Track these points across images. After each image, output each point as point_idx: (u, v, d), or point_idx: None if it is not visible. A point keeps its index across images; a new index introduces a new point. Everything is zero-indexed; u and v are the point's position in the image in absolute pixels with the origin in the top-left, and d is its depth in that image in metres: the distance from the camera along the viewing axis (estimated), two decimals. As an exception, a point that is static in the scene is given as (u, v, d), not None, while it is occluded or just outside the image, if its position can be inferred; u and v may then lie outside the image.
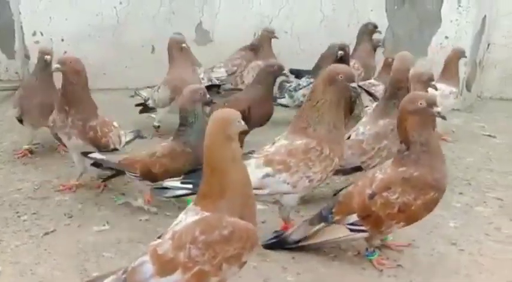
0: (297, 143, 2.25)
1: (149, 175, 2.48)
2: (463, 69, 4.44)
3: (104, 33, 4.93)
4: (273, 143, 2.35)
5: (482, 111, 4.83)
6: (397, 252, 2.33)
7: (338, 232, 2.16)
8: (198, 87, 2.64)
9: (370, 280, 2.16)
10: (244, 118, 3.15)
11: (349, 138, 2.75)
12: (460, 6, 4.63)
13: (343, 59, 3.62)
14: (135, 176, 2.53)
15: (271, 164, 2.22)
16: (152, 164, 2.48)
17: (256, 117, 3.29)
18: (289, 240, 2.26)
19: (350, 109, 3.49)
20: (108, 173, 2.71)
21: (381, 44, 4.64)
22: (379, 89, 3.87)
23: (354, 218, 2.12)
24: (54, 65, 2.73)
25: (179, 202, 2.58)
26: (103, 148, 2.75)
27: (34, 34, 4.76)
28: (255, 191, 2.07)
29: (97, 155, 2.62)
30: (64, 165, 3.15)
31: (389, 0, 4.91)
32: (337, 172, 2.54)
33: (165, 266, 1.60)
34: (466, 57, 4.04)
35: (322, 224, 2.18)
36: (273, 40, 4.52)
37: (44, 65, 3.12)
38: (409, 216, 2.06)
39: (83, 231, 2.43)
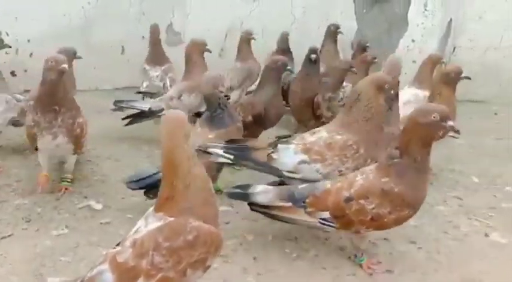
0: (337, 138, 2.40)
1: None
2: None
3: (72, 34, 4.84)
4: (313, 133, 2.49)
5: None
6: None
7: (303, 216, 2.17)
8: (216, 74, 2.81)
9: (330, 279, 2.18)
10: (261, 120, 3.22)
11: None
12: (426, 9, 4.74)
13: (316, 62, 3.67)
14: None
15: (309, 153, 2.40)
16: None
17: (272, 117, 3.30)
18: (253, 198, 2.26)
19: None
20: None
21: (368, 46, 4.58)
22: (347, 89, 3.89)
23: (326, 215, 2.14)
24: (62, 66, 2.55)
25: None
26: (79, 149, 2.74)
27: (-1, 34, 4.67)
28: (288, 174, 2.41)
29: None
30: (25, 167, 3.09)
31: (358, 4, 4.99)
32: None
33: (125, 274, 1.58)
34: (444, 62, 4.02)
35: (290, 204, 2.19)
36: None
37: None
38: (379, 225, 2.09)
39: (41, 235, 2.38)
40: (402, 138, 2.04)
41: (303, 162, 2.39)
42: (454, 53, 5.26)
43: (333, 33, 4.51)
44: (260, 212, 2.29)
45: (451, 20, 4.96)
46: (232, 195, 2.32)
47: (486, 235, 2.58)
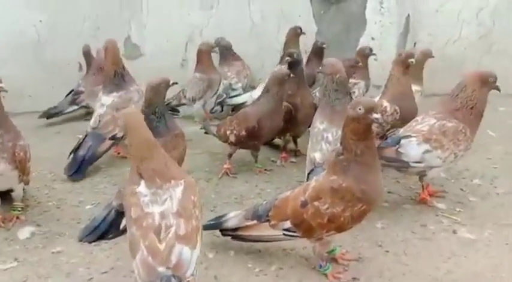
0: (448, 125, 2.69)
1: None
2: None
3: (25, 53, 4.69)
4: (420, 121, 2.75)
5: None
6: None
7: (269, 230, 2.16)
8: (161, 79, 2.65)
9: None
10: (254, 134, 3.08)
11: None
12: (382, 7, 4.73)
13: (294, 65, 3.43)
14: None
15: (429, 142, 2.66)
16: None
17: (268, 131, 3.15)
18: (224, 225, 2.32)
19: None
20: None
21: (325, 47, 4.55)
22: (361, 85, 3.94)
23: (288, 224, 2.10)
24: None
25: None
26: (25, 177, 2.56)
27: None
28: (414, 164, 2.68)
29: None
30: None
31: (316, 5, 4.95)
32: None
33: None
34: (433, 57, 4.11)
35: (255, 221, 2.20)
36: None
37: None
38: (338, 226, 2.03)
39: (-13, 271, 2.23)
40: (342, 133, 2.06)
41: (427, 151, 2.65)
42: (415, 48, 5.28)
43: (294, 34, 4.45)
44: (231, 236, 2.30)
45: (408, 15, 4.97)
46: (206, 227, 2.29)
47: (454, 232, 2.54)
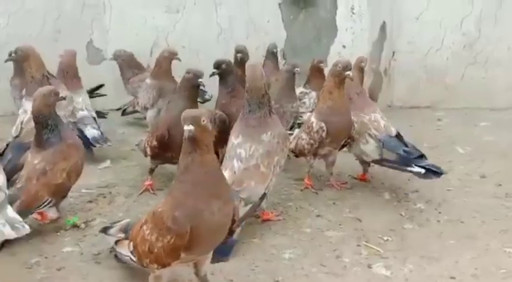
0: None
1: None
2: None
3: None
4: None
5: (390, 121, 4.60)
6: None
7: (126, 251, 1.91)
8: (50, 89, 2.52)
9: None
10: (165, 144, 2.75)
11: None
12: (353, 13, 4.43)
13: (223, 75, 3.22)
14: None
15: None
16: None
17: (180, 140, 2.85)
18: (107, 231, 2.15)
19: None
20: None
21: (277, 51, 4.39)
22: (312, 95, 3.77)
23: (131, 246, 1.83)
24: None
25: None
26: None
27: None
28: None
29: None
30: None
31: (284, 10, 4.69)
32: (252, 211, 2.36)
33: None
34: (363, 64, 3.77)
35: (123, 235, 2.03)
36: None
37: None
38: (156, 258, 1.71)
39: None
40: None
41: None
42: (393, 57, 4.95)
43: (270, 52, 4.26)
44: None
45: (384, 23, 4.65)
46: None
47: (369, 266, 2.22)
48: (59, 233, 2.50)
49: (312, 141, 2.81)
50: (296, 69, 3.33)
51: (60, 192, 2.49)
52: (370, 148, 2.86)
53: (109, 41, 4.86)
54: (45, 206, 2.45)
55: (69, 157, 2.46)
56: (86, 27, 4.83)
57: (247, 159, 2.40)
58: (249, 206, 2.33)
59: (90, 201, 2.85)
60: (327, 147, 2.86)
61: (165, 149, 2.81)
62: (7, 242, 2.29)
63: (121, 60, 4.48)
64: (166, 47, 4.55)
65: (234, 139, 2.50)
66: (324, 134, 2.77)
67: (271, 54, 4.13)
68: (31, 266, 2.20)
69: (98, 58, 4.89)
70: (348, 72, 2.75)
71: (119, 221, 2.21)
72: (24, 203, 2.36)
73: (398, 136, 2.94)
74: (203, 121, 1.64)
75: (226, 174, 2.37)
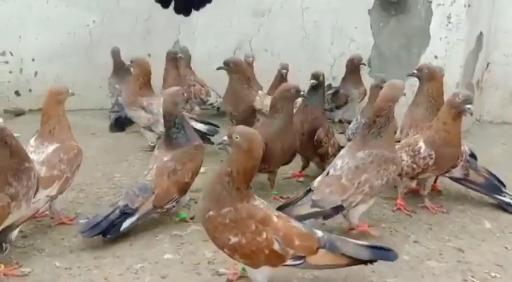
0: None
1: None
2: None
3: (77, 53, 4.80)
4: None
5: (478, 136, 4.37)
6: None
7: None
8: (177, 89, 2.69)
9: None
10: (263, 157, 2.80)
11: (327, 174, 2.49)
12: (449, 22, 4.21)
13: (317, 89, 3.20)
14: None
15: None
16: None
17: (278, 154, 2.87)
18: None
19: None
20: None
21: (365, 63, 4.35)
22: None
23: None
24: None
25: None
26: None
27: (3, 54, 4.68)
28: None
29: None
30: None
31: (374, 17, 4.55)
32: (316, 215, 2.38)
33: None
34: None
35: None
36: (256, 58, 4.43)
37: None
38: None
39: None
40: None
41: None
42: (487, 69, 4.69)
43: (354, 65, 4.30)
44: None
45: (481, 33, 4.39)
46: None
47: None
48: (157, 238, 2.55)
49: (414, 166, 2.70)
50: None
51: (185, 191, 2.65)
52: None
53: (194, 42, 4.95)
54: (172, 202, 2.61)
55: (195, 159, 2.64)
56: (173, 29, 4.95)
57: (337, 169, 2.47)
58: (315, 209, 2.37)
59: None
60: (429, 173, 2.75)
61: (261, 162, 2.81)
62: (107, 243, 2.43)
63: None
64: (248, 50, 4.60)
65: (342, 150, 2.62)
66: (431, 162, 2.66)
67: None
68: (136, 271, 2.25)
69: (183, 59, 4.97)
70: (468, 106, 2.59)
71: None
72: (158, 198, 2.53)
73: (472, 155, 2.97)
74: None
75: (320, 177, 2.53)
